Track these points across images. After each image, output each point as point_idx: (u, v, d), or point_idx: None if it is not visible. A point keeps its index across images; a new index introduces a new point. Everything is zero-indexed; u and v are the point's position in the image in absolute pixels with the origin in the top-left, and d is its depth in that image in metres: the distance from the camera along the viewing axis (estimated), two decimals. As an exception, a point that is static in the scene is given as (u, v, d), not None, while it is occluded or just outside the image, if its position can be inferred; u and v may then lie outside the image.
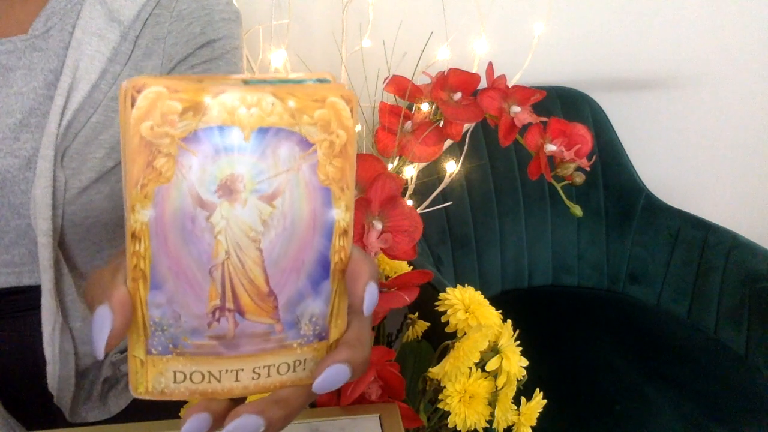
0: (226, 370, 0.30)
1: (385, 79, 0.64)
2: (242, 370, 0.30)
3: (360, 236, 0.53)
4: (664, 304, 1.46)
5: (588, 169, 0.61)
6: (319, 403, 0.58)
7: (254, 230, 0.28)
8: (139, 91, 0.26)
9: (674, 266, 1.45)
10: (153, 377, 0.30)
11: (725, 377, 1.21)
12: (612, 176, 1.51)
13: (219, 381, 0.30)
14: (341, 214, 0.30)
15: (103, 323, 0.27)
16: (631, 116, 1.60)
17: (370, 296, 0.30)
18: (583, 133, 0.60)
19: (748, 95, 1.64)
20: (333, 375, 0.30)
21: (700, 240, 1.41)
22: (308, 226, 0.29)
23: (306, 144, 0.28)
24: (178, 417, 0.57)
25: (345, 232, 0.30)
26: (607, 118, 1.52)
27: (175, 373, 0.30)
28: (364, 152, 0.61)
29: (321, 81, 0.29)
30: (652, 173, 1.59)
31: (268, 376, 0.31)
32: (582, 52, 1.52)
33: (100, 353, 0.27)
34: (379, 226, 0.53)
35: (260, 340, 0.30)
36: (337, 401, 0.58)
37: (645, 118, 1.62)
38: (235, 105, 0.27)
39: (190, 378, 0.30)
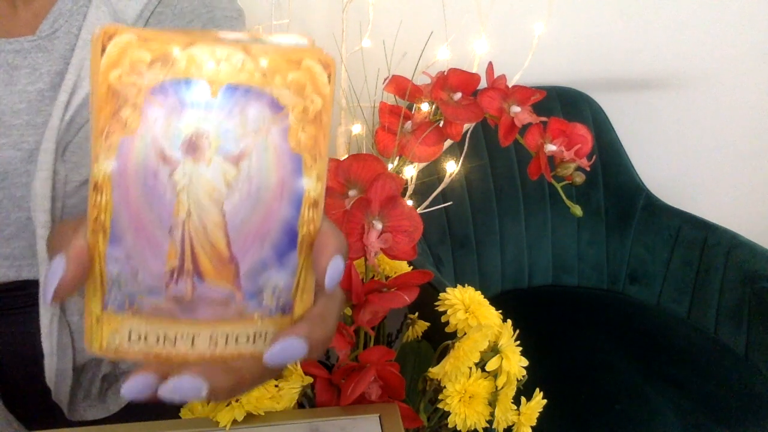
0: (182, 335, 0.29)
1: (385, 79, 0.64)
2: (198, 335, 0.29)
3: (360, 236, 0.53)
4: (664, 304, 1.46)
5: (588, 169, 0.61)
6: (319, 403, 0.58)
7: (218, 191, 0.28)
8: (110, 39, 0.25)
9: (674, 266, 1.45)
10: (108, 334, 0.29)
11: (725, 377, 1.20)
12: (612, 176, 1.51)
13: (174, 345, 0.29)
14: (312, 184, 0.28)
15: (56, 271, 0.27)
16: (631, 116, 1.59)
17: (333, 270, 0.28)
18: (583, 133, 0.60)
19: (749, 95, 1.64)
20: (287, 348, 0.29)
21: (700, 240, 1.41)
22: (275, 193, 0.28)
23: (277, 107, 0.27)
24: (178, 417, 0.58)
25: (315, 203, 0.29)
26: (607, 118, 1.51)
27: (130, 331, 0.29)
28: (364, 152, 0.61)
29: (298, 43, 0.28)
30: (652, 173, 1.59)
31: (226, 344, 0.30)
32: (582, 52, 1.52)
33: (48, 300, 0.27)
34: (379, 226, 0.53)
35: (219, 306, 0.29)
36: (337, 401, 0.58)
37: (645, 118, 1.62)
38: (204, 59, 0.26)
39: (145, 338, 0.29)
